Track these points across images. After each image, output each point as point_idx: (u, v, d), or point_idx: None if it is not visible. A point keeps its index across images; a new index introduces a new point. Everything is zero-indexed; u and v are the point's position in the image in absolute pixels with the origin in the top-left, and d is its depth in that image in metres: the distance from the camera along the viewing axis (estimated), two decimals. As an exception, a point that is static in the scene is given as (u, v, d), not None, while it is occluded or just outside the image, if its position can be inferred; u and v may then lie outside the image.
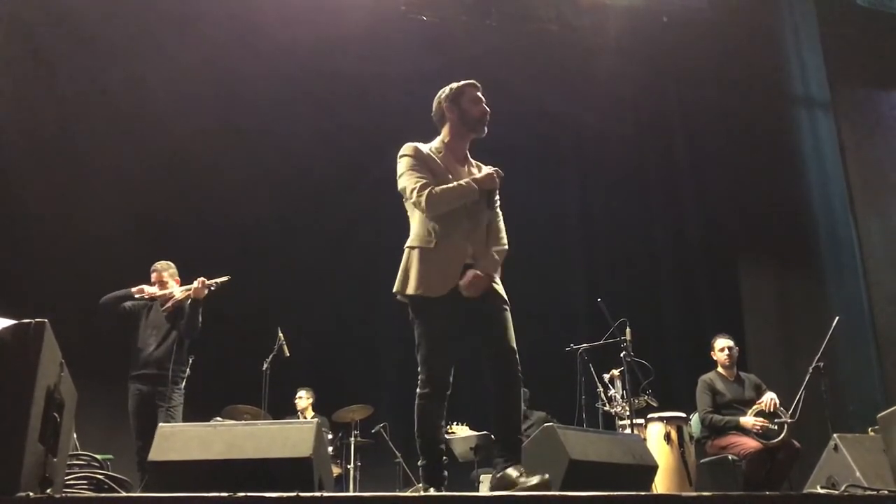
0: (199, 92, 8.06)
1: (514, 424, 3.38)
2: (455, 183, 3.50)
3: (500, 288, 3.55)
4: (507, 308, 3.52)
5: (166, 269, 5.57)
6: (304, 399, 7.82)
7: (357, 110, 8.55)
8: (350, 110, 8.56)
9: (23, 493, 1.89)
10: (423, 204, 3.44)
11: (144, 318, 5.55)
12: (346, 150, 8.60)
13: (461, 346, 3.52)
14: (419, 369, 3.43)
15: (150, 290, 5.50)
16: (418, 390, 3.41)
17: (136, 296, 5.48)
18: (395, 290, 3.51)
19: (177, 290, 5.50)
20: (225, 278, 5.49)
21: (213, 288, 5.47)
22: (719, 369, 6.18)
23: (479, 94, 3.69)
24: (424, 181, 3.48)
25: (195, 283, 5.42)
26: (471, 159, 3.75)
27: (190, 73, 7.94)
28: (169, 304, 5.45)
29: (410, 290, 3.41)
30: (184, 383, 5.41)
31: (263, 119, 8.42)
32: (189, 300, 5.44)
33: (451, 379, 3.43)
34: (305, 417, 7.59)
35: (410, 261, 3.48)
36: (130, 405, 5.32)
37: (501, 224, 3.71)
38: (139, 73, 7.96)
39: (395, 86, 8.32)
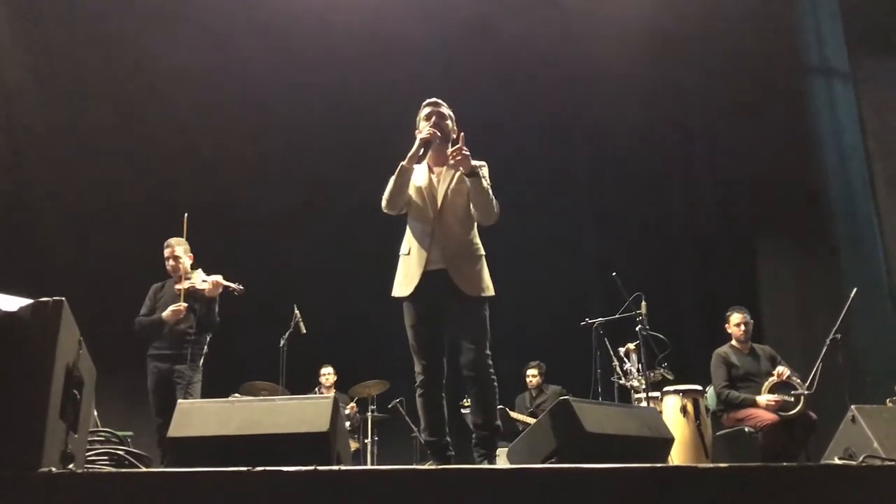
0: (212, 75, 8.06)
1: (487, 421, 3.73)
2: None
3: (472, 284, 3.77)
4: (479, 304, 3.78)
5: (180, 245, 5.58)
6: (331, 375, 7.90)
7: (371, 88, 8.51)
8: (365, 88, 8.52)
9: (45, 469, 1.92)
10: (383, 208, 3.89)
11: (162, 297, 5.57)
12: (360, 128, 8.58)
13: (445, 336, 3.86)
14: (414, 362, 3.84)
15: (175, 309, 5.35)
16: (416, 381, 3.83)
17: (169, 320, 5.39)
18: None
19: (197, 280, 5.49)
20: (239, 287, 5.51)
21: (233, 292, 5.49)
22: (734, 342, 6.15)
23: (430, 110, 3.96)
24: None
25: (210, 280, 5.42)
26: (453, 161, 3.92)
27: (200, 57, 7.93)
28: (185, 284, 5.44)
29: (394, 293, 3.90)
30: (202, 360, 5.44)
31: (279, 99, 8.39)
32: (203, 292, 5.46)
33: (443, 365, 3.83)
34: (328, 393, 7.66)
35: (398, 267, 3.93)
36: (149, 383, 5.36)
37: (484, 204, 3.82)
38: (149, 55, 7.96)
39: (406, 68, 8.27)
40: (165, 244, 5.60)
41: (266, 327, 7.18)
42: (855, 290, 6.02)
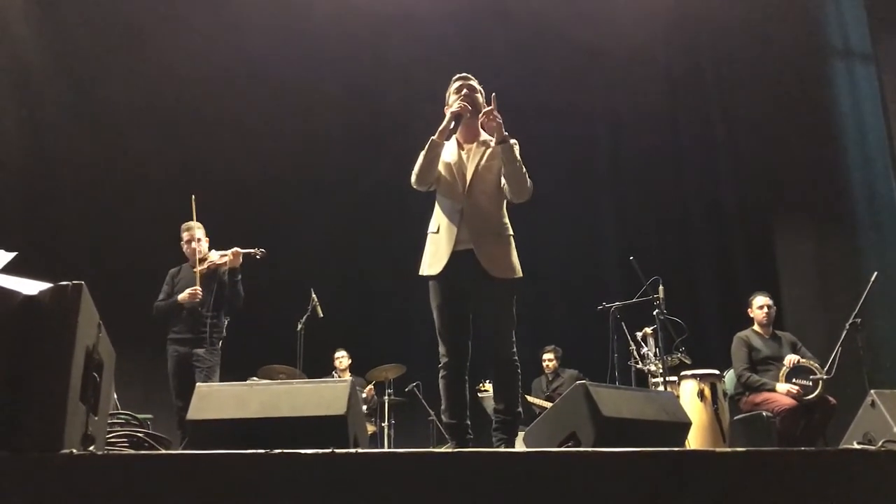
0: (226, 56, 8.07)
1: (509, 406, 3.72)
2: None
3: (500, 266, 3.72)
4: (506, 287, 3.74)
5: (200, 228, 5.61)
6: (346, 358, 7.94)
7: (387, 69, 8.49)
8: (382, 68, 8.50)
9: (66, 450, 1.94)
10: (412, 184, 3.82)
11: (180, 281, 5.60)
12: (379, 112, 8.56)
13: (472, 318, 3.81)
14: (438, 343, 3.78)
15: (192, 291, 5.36)
16: (439, 363, 3.77)
17: (185, 303, 5.40)
18: None
19: (214, 255, 5.53)
20: (260, 250, 5.52)
21: (255, 256, 5.50)
22: (755, 327, 6.13)
23: (460, 83, 3.90)
24: None
25: (229, 252, 5.44)
26: (483, 137, 3.90)
27: (215, 39, 7.94)
28: (204, 265, 5.46)
29: (422, 272, 3.83)
30: (220, 344, 5.48)
31: (295, 79, 8.38)
32: (226, 269, 5.48)
33: (468, 347, 3.77)
34: (343, 377, 7.70)
35: (427, 246, 3.86)
36: (169, 366, 5.39)
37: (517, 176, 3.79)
38: (165, 38, 7.98)
39: (421, 49, 8.23)
40: (184, 227, 5.61)
41: (283, 311, 7.22)
42: (875, 274, 5.97)
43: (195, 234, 5.56)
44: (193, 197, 5.53)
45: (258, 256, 5.50)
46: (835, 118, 8.69)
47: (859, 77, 8.78)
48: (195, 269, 5.45)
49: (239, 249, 5.45)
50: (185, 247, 5.59)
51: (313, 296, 6.99)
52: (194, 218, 5.55)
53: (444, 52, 7.75)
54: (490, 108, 3.69)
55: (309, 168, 8.50)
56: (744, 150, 9.04)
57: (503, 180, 3.78)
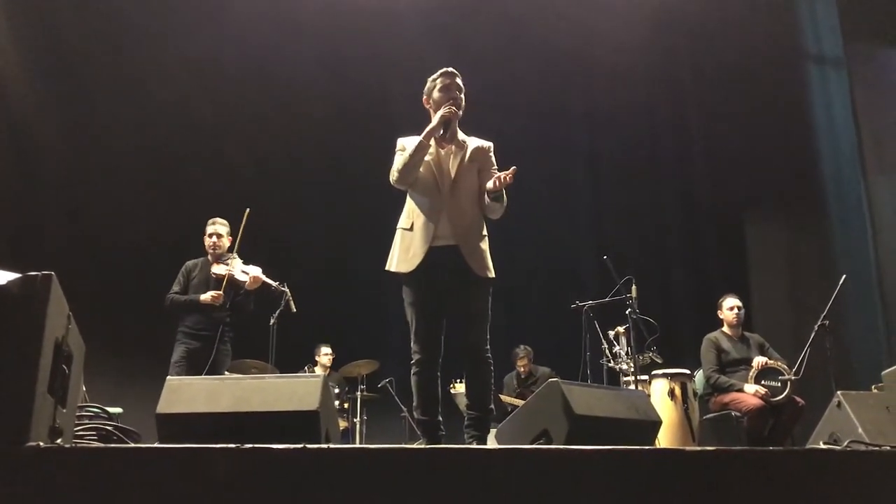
0: (212, 46, 7.98)
1: (483, 403, 3.72)
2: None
3: (480, 264, 3.73)
4: (485, 285, 3.75)
5: (224, 226, 5.58)
6: (329, 356, 7.91)
7: (370, 63, 8.45)
8: (364, 63, 8.46)
9: (33, 443, 1.92)
10: (392, 181, 3.80)
11: (196, 276, 5.56)
12: (357, 104, 8.52)
13: (446, 314, 3.79)
14: (411, 340, 3.75)
15: (215, 295, 5.35)
16: (412, 360, 3.74)
17: (206, 304, 5.36)
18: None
19: (237, 268, 5.46)
20: (282, 287, 5.50)
21: (274, 293, 5.46)
22: (725, 328, 6.20)
23: (448, 81, 3.87)
24: None
25: (251, 276, 5.40)
26: (461, 138, 3.90)
27: (202, 31, 7.87)
28: (223, 272, 5.39)
29: (390, 267, 3.81)
30: (230, 344, 5.48)
31: (279, 70, 8.31)
32: (242, 284, 5.44)
33: (440, 344, 3.75)
34: (325, 372, 7.67)
35: (395, 241, 3.84)
36: (175, 357, 5.32)
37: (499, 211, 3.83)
38: (152, 30, 7.89)
39: (406, 44, 8.21)
40: (210, 221, 5.59)
41: (256, 305, 7.16)
42: (844, 276, 6.06)
43: (217, 229, 5.55)
44: (248, 211, 5.46)
45: (276, 294, 5.48)
46: (807, 122, 8.82)
47: (831, 81, 8.92)
48: (216, 271, 5.40)
49: (260, 276, 5.46)
50: (206, 239, 5.56)
51: (286, 290, 6.95)
52: (241, 228, 5.48)
53: (427, 48, 7.72)
54: (510, 172, 3.63)
55: (286, 162, 8.43)
56: (719, 152, 9.13)
57: (480, 184, 3.81)
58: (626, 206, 9.19)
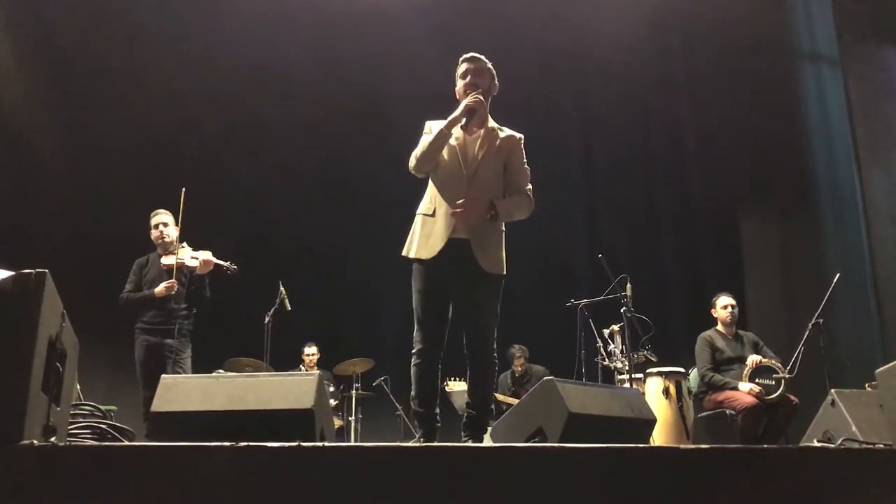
0: (205, 44, 7.97)
1: (483, 403, 3.66)
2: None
3: (491, 260, 3.65)
4: (495, 282, 3.67)
5: (167, 215, 5.53)
6: (316, 355, 7.90)
7: (364, 63, 8.44)
8: (358, 63, 8.45)
9: (27, 441, 1.91)
10: (410, 168, 3.69)
11: (148, 272, 5.53)
12: (353, 103, 8.50)
13: (454, 307, 3.71)
14: (414, 328, 3.65)
15: (168, 284, 5.28)
16: (412, 350, 3.64)
17: (161, 296, 5.31)
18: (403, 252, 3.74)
19: (186, 254, 5.42)
20: (233, 266, 5.44)
21: (226, 271, 5.42)
22: (719, 327, 6.21)
23: (468, 66, 3.83)
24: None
25: (200, 259, 5.35)
26: (492, 125, 3.82)
27: (195, 28, 7.85)
28: (172, 261, 5.36)
29: (408, 253, 3.69)
30: (188, 336, 5.42)
31: (272, 67, 8.31)
32: (194, 269, 5.41)
33: (444, 336, 3.65)
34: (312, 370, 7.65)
35: (414, 226, 3.73)
36: (137, 355, 5.30)
37: (522, 182, 3.80)
38: (145, 25, 7.86)
39: (401, 43, 8.20)
40: (152, 213, 5.55)
41: (251, 304, 7.16)
42: (838, 275, 6.07)
43: (162, 219, 5.49)
44: (184, 190, 5.37)
45: (229, 272, 5.44)
46: (802, 120, 8.83)
47: (826, 79, 8.93)
48: (165, 262, 5.38)
49: (210, 258, 5.38)
50: (152, 232, 5.52)
51: (281, 289, 6.94)
52: (181, 211, 5.42)
53: (421, 46, 7.71)
54: (494, 212, 3.60)
55: (280, 161, 8.41)
56: (713, 150, 9.14)
57: (506, 177, 3.74)
58: (620, 204, 9.19)
